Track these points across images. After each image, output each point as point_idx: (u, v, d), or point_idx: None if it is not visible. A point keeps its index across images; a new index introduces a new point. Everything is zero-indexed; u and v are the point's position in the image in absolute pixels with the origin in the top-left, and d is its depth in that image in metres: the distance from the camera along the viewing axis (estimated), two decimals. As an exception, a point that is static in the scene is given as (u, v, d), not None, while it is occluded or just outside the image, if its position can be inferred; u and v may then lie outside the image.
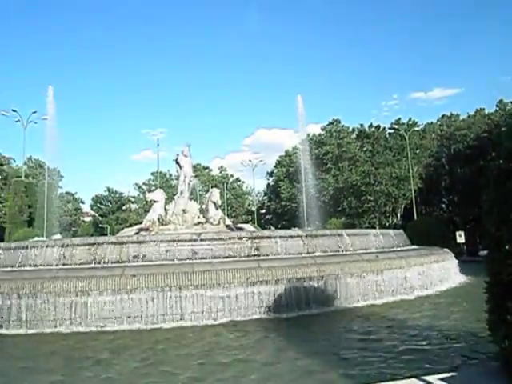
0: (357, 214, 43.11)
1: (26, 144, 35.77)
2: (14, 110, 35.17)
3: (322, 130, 52.95)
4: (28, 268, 9.66)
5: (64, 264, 9.63)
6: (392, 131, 43.73)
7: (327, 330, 7.47)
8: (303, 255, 10.37)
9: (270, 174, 65.26)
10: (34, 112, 35.14)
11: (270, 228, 55.32)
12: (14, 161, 54.14)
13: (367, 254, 10.77)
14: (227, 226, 15.23)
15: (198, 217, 15.38)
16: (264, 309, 8.42)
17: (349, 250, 11.38)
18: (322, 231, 13.38)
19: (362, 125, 48.96)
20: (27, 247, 10.23)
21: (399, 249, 13.12)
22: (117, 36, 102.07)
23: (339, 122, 51.70)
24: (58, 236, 21.55)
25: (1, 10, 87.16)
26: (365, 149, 46.25)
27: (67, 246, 9.96)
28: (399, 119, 46.03)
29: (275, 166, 63.40)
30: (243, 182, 73.98)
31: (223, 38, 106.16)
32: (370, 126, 48.09)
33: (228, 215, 25.84)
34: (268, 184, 66.52)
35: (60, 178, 52.83)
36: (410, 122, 44.93)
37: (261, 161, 58.68)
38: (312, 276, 8.96)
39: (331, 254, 10.82)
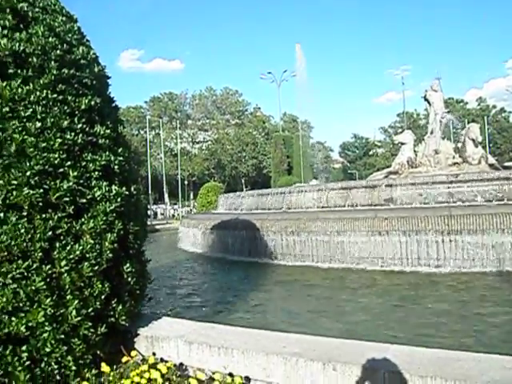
0: None
1: (280, 101, 40.19)
2: (269, 73, 39.88)
3: None
4: (292, 210, 11.06)
5: (320, 207, 10.55)
6: None
7: None
8: None
9: (549, 99, 52.36)
10: (285, 71, 38.89)
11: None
12: (273, 118, 62.04)
13: None
14: (490, 165, 13.20)
15: (453, 157, 13.88)
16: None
17: None
18: None
19: None
20: (290, 192, 11.70)
21: None
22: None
23: None
24: (315, 182, 23.72)
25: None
26: None
27: (323, 190, 10.84)
28: None
29: (557, 88, 50.41)
30: (510, 112, 62.29)
31: None
32: None
33: (491, 153, 22.41)
34: (547, 112, 53.81)
35: (310, 129, 57.43)
36: None
37: (534, 83, 47.66)
38: None
39: None
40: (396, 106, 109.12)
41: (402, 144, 14.83)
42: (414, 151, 14.74)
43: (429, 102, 14.98)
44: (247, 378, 2.56)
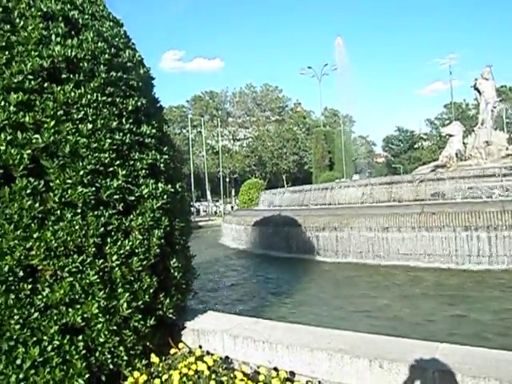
0: None
1: (321, 96, 39.72)
2: (309, 67, 39.47)
3: None
4: (334, 206, 10.92)
5: (363, 202, 10.34)
6: None
7: None
8: None
9: None
10: (326, 65, 38.37)
11: None
12: (313, 113, 61.45)
13: None
14: (548, 156, 12.40)
15: (507, 148, 13.14)
16: None
17: None
18: None
19: None
20: (332, 188, 11.56)
21: None
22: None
23: None
24: (356, 177, 23.29)
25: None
26: None
27: (366, 185, 10.62)
28: None
29: None
30: None
31: None
32: None
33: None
34: None
35: (352, 123, 56.33)
36: None
37: None
38: None
39: None
40: (442, 97, 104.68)
41: (450, 136, 14.22)
42: (463, 143, 14.10)
43: (479, 91, 14.24)
44: (292, 373, 2.57)
